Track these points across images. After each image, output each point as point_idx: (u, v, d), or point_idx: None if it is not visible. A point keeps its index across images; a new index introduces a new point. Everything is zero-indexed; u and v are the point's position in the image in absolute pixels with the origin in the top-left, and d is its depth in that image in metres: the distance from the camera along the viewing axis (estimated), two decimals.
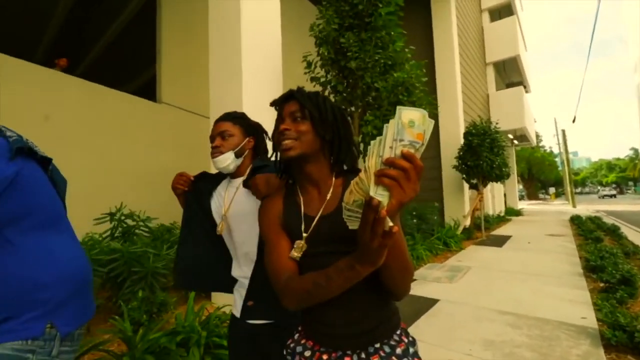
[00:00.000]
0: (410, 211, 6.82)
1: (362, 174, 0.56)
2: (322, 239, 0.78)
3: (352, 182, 0.58)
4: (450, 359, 2.23)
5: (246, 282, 1.11)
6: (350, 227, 0.61)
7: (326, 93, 3.06)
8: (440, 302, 3.36)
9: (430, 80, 9.47)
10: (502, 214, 13.47)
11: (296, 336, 0.86)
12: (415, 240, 5.72)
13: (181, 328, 1.91)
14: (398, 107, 0.53)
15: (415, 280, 4.24)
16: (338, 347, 0.76)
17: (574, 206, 20.30)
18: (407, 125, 0.53)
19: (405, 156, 0.53)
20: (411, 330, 2.77)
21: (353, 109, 3.02)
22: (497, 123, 8.37)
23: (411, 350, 0.78)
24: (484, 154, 7.62)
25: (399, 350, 0.76)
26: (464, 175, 8.14)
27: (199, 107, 5.58)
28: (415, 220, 6.74)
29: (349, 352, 0.75)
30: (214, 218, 1.21)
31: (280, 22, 3.04)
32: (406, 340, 0.79)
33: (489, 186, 12.63)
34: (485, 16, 16.02)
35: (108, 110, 4.54)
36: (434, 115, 3.21)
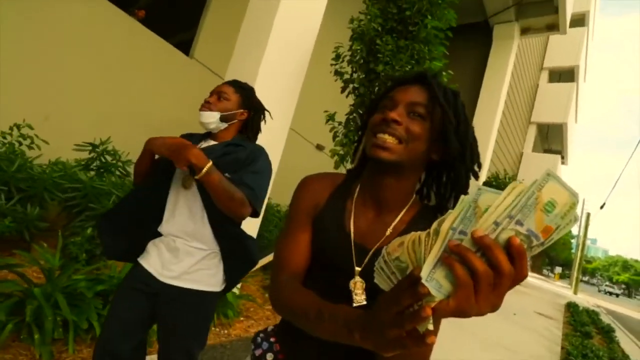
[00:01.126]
0: None
1: (423, 235, 0.38)
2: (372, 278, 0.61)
3: (411, 234, 0.40)
4: None
5: (177, 240, 1.08)
6: (375, 280, 0.45)
7: (346, 92, 2.89)
8: None
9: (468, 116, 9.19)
10: None
11: (269, 329, 0.75)
12: None
13: (106, 278, 1.77)
14: (547, 171, 0.34)
15: None
16: None
17: (575, 293, 19.33)
18: (541, 206, 0.33)
19: (513, 250, 0.33)
20: None
21: None
22: (521, 182, 7.97)
23: None
24: None
25: None
26: None
27: (226, 71, 5.52)
28: None
29: None
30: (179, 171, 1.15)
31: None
32: None
33: None
34: (544, 75, 15.49)
35: (140, 49, 4.51)
36: None
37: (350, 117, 2.96)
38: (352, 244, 0.63)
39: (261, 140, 3.01)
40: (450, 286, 0.35)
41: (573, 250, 41.45)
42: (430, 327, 0.36)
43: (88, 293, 1.64)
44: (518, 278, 0.35)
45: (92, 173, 2.52)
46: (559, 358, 4.24)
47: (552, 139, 17.52)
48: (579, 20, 15.26)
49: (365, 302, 0.60)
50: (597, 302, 18.62)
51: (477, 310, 0.35)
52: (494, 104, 9.00)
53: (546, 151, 18.29)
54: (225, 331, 2.31)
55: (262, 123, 1.29)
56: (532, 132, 14.89)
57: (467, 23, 9.07)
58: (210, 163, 0.96)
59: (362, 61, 2.73)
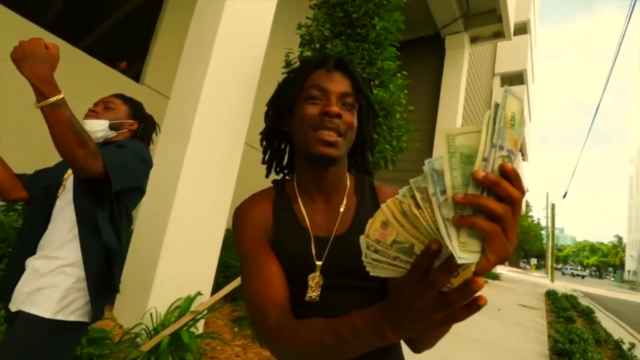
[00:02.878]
0: None
1: (413, 207, 0.35)
2: (336, 269, 0.60)
3: (385, 207, 0.37)
4: None
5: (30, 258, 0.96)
6: (373, 273, 0.40)
7: None
8: None
9: (430, 124, 9.50)
10: None
11: None
12: None
13: None
14: (504, 89, 0.34)
15: None
16: None
17: (552, 281, 19.99)
18: (509, 124, 0.33)
19: (510, 175, 0.33)
20: None
21: None
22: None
23: None
24: None
25: None
26: None
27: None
28: None
29: None
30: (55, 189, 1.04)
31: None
32: None
33: None
34: (497, 80, 16.47)
35: (87, 78, 4.22)
36: (416, 149, 2.91)
37: None
38: (312, 239, 0.61)
39: (214, 158, 2.76)
40: (477, 243, 0.33)
41: (544, 241, 43.37)
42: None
43: None
44: (522, 196, 0.34)
45: (13, 214, 2.17)
46: (547, 347, 4.17)
47: None
48: (522, 29, 16.59)
49: (317, 299, 0.59)
50: (573, 286, 19.32)
51: (512, 249, 0.34)
52: (453, 110, 9.32)
53: None
54: None
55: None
56: None
57: (421, 36, 9.50)
58: (61, 96, 0.79)
59: None
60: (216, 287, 2.45)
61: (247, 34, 2.63)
